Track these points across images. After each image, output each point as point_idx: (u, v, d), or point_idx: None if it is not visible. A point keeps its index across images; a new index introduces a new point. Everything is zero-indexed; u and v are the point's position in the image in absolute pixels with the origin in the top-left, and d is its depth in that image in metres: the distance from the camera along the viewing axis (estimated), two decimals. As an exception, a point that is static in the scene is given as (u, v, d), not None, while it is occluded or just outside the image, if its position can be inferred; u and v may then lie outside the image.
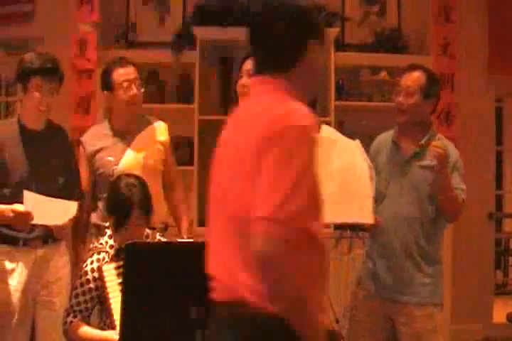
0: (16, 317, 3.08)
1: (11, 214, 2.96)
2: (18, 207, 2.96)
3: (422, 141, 3.15)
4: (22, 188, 2.99)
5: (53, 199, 3.04)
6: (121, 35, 5.29)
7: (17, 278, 3.08)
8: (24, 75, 3.10)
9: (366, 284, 3.25)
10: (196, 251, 2.23)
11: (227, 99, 4.88)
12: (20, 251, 3.09)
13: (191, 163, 4.90)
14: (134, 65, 3.41)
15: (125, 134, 3.44)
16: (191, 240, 2.99)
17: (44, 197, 3.01)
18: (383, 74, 5.18)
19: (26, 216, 2.95)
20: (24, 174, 3.08)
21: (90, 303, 2.85)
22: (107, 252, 2.89)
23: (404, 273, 3.12)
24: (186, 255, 2.34)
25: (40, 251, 3.13)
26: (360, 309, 3.25)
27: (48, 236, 3.14)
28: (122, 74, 3.34)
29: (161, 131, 3.51)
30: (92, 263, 2.87)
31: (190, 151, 4.95)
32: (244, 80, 3.04)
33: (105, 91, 3.41)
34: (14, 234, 3.07)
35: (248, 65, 3.10)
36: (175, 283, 2.29)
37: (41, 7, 5.20)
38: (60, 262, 3.22)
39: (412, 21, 5.33)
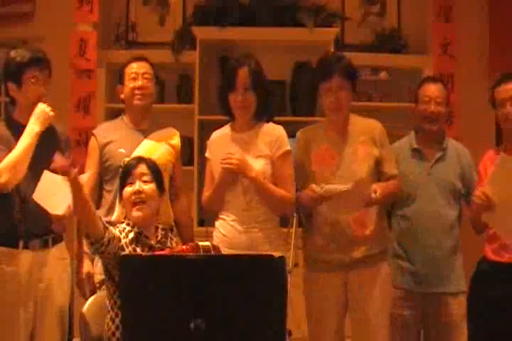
0: (18, 320, 3.03)
1: None
2: None
3: (444, 145, 3.51)
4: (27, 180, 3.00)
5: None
6: (121, 35, 5.30)
7: (17, 280, 3.04)
8: (17, 70, 3.07)
9: (400, 282, 3.40)
10: (195, 263, 2.26)
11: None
12: (20, 253, 3.05)
13: (191, 163, 4.90)
14: (149, 62, 3.50)
15: (139, 129, 3.45)
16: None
17: (61, 177, 2.96)
18: (383, 74, 5.19)
19: None
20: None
21: None
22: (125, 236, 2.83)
23: (439, 265, 3.35)
24: (184, 266, 2.31)
25: (40, 253, 3.09)
26: (398, 306, 3.38)
27: (46, 238, 3.11)
28: (133, 67, 3.46)
29: (174, 134, 3.52)
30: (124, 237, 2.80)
31: (190, 151, 4.94)
32: (241, 95, 3.14)
33: (118, 85, 3.49)
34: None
35: (245, 77, 3.14)
36: (172, 296, 2.26)
37: (41, 7, 5.20)
38: (61, 264, 3.18)
39: (412, 21, 5.33)
